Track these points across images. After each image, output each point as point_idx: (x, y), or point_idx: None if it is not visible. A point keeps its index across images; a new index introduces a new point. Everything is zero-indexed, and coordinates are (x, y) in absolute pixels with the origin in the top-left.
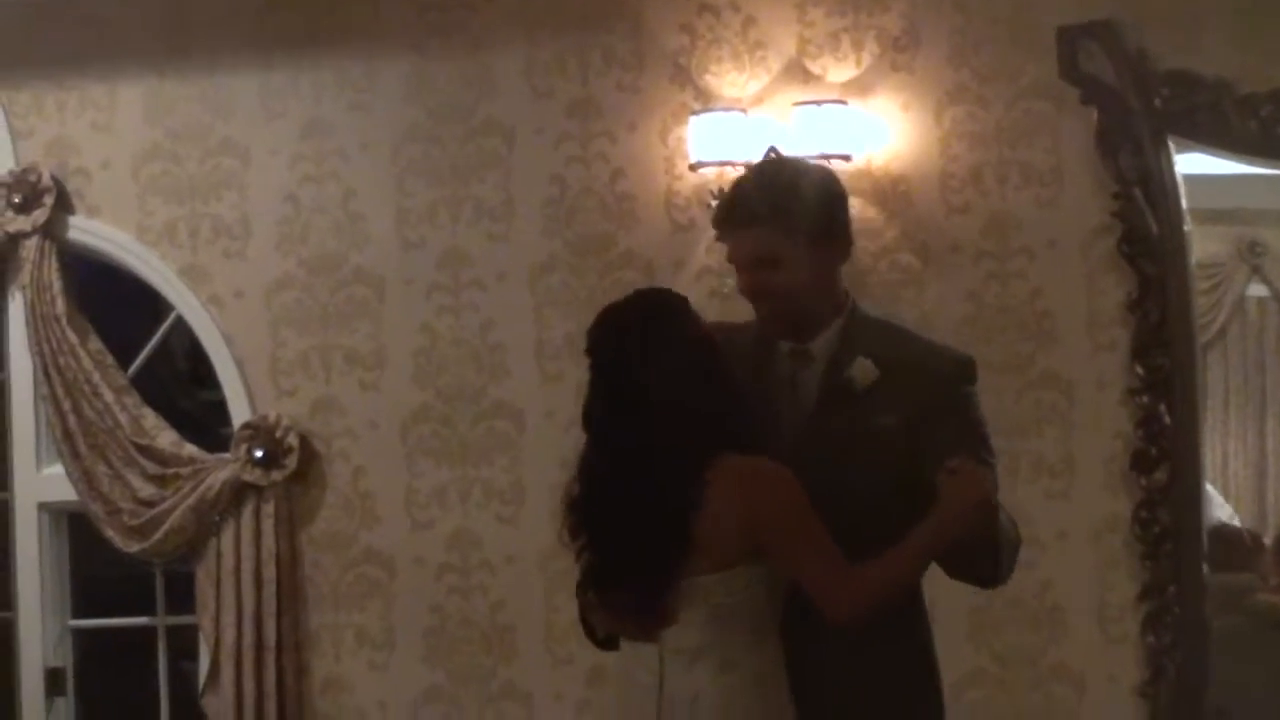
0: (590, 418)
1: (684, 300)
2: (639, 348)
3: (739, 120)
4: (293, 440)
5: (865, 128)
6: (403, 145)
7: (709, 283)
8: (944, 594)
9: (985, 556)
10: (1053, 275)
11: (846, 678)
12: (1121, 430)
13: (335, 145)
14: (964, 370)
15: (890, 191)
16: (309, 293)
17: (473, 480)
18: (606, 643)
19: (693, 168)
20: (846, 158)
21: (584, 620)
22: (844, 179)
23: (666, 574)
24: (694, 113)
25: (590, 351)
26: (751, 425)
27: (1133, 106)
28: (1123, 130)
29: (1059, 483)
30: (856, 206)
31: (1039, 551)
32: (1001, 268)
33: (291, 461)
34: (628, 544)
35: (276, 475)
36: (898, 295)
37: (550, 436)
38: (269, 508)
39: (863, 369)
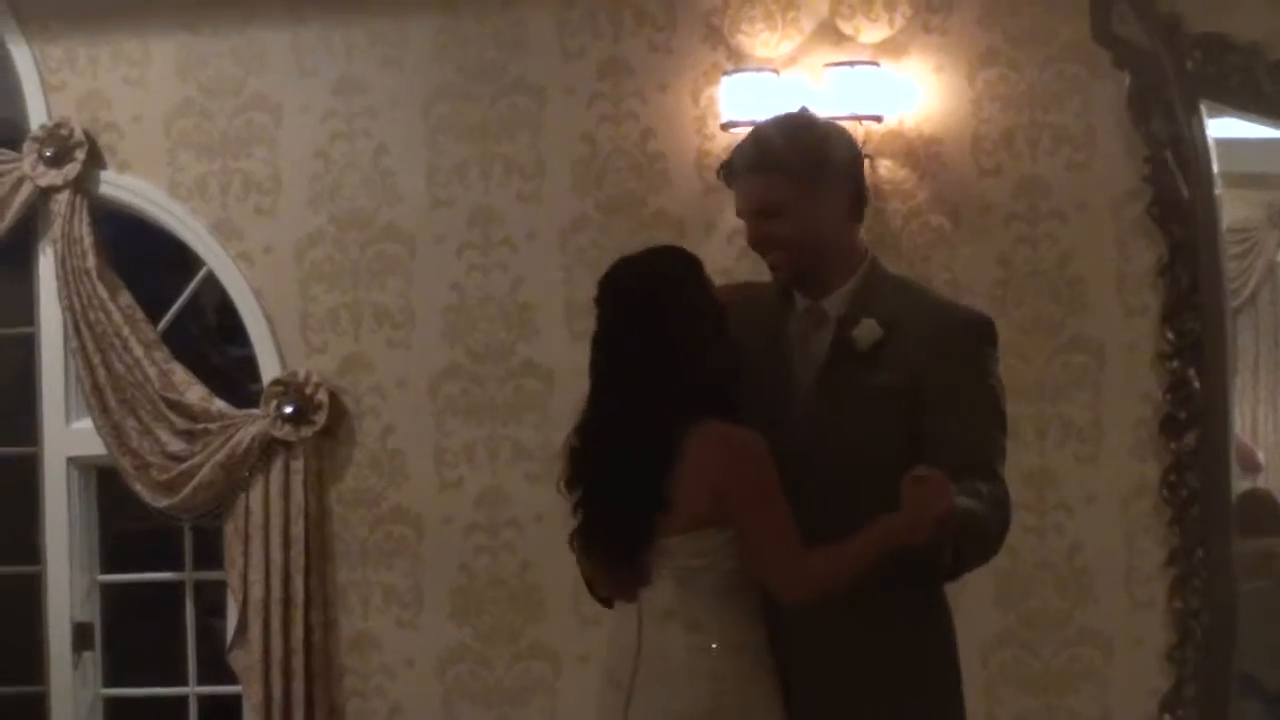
0: (593, 369)
1: (697, 262)
2: (644, 307)
3: (771, 81)
4: (322, 397)
5: (897, 89)
6: (434, 103)
7: (740, 244)
8: None
9: (942, 564)
10: (1083, 239)
11: (847, 661)
12: (1151, 394)
13: (366, 102)
14: (976, 330)
15: (922, 153)
16: (339, 249)
17: (501, 439)
18: (608, 600)
19: (724, 128)
20: (878, 119)
21: (584, 575)
22: (876, 140)
23: (636, 533)
24: (726, 73)
25: (599, 301)
26: (741, 395)
27: (1165, 70)
28: (1155, 94)
29: (1088, 447)
30: (888, 168)
31: (1067, 515)
32: (1032, 231)
33: (321, 418)
34: (607, 500)
35: (306, 432)
36: (928, 256)
37: (579, 396)
38: (298, 464)
39: (866, 328)
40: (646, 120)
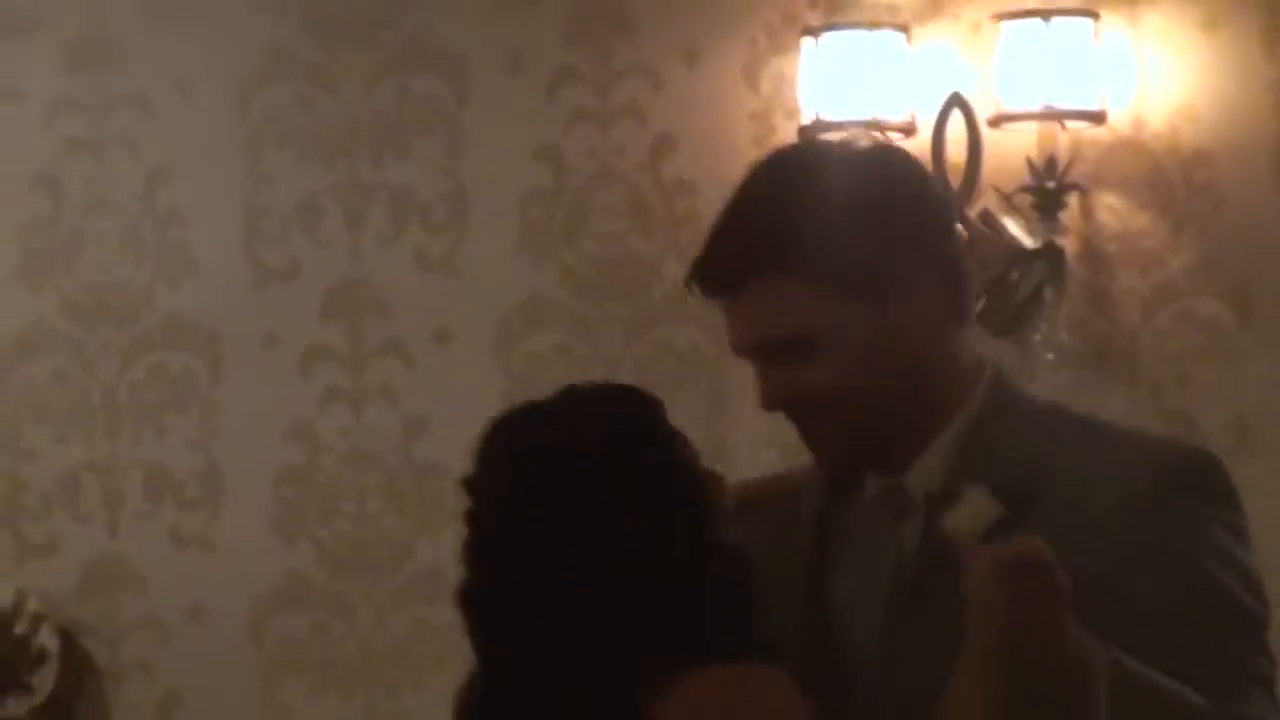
0: (472, 610)
1: (655, 406)
2: (564, 491)
3: (895, 46)
4: (47, 642)
5: (1129, 65)
6: (258, 88)
7: None
8: None
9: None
10: None
11: None
12: None
13: (131, 85)
14: (1181, 477)
15: (1177, 179)
16: (79, 362)
17: (383, 717)
18: None
19: (804, 132)
20: (1098, 117)
21: None
22: (1094, 158)
23: None
24: (810, 31)
25: (473, 489)
26: (760, 623)
27: None
28: None
29: None
30: (1114, 209)
31: None
32: None
33: (47, 681)
34: None
35: (15, 707)
36: (1189, 374)
37: None
38: None
39: (971, 508)
40: (658, 121)
